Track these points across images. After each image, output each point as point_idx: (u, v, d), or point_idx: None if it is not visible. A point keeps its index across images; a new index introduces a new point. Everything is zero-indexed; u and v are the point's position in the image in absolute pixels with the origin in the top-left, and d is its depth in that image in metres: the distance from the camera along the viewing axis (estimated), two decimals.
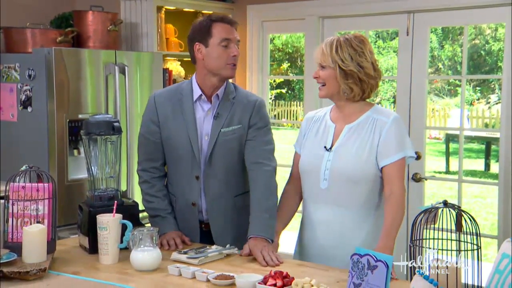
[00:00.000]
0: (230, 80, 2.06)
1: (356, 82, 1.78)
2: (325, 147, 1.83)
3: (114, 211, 1.76)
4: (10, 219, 1.73)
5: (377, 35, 11.16)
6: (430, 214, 1.39)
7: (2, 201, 1.76)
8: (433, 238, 1.41)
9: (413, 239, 1.39)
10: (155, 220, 1.97)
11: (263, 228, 1.84)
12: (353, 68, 1.76)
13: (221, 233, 1.97)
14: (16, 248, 1.68)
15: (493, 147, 8.27)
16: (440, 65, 11.08)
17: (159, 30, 3.31)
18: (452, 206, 1.38)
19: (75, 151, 2.81)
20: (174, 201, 2.02)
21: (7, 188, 1.73)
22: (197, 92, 1.96)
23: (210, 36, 1.91)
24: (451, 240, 1.39)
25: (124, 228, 1.75)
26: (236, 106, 1.96)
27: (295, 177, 1.95)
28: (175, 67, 3.44)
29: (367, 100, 1.87)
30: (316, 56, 1.83)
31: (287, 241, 2.32)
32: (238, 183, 1.98)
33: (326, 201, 1.82)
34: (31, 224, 1.72)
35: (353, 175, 1.78)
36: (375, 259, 1.33)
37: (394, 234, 1.72)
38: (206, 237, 1.98)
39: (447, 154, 8.43)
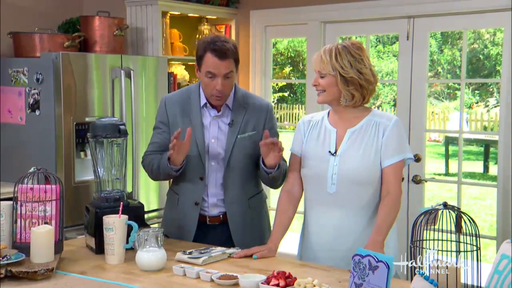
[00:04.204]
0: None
1: (357, 88, 1.80)
2: (329, 151, 1.84)
3: (120, 212, 1.78)
4: (19, 220, 1.75)
5: (377, 40, 11.19)
6: (431, 215, 1.41)
7: (11, 202, 1.78)
8: (433, 239, 1.43)
9: (414, 240, 1.41)
10: (162, 162, 1.95)
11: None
12: (354, 75, 1.78)
13: (240, 234, 2.02)
14: (24, 248, 1.70)
15: (491, 149, 8.29)
16: (440, 69, 11.10)
17: (164, 35, 3.34)
18: (452, 208, 1.40)
19: (82, 154, 2.84)
20: (176, 199, 2.06)
21: (16, 189, 1.75)
22: (203, 99, 2.03)
23: (201, 63, 1.96)
24: (451, 241, 1.40)
25: (129, 229, 1.77)
26: (249, 112, 2.02)
27: (292, 179, 1.93)
28: (180, 71, 3.48)
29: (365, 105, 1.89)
30: (315, 64, 1.84)
31: (289, 241, 2.35)
32: (252, 185, 2.03)
33: (333, 204, 1.83)
34: (39, 225, 1.74)
35: (361, 178, 1.80)
36: (376, 259, 1.34)
37: (385, 231, 1.75)
38: (211, 231, 2.02)
39: (447, 156, 8.45)
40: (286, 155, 2.00)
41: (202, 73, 1.95)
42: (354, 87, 1.80)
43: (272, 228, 1.97)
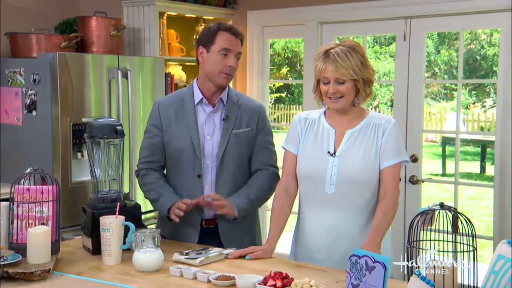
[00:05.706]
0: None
1: (371, 86, 1.83)
2: (328, 152, 1.83)
3: (117, 213, 1.78)
4: (15, 221, 1.75)
5: (374, 40, 11.20)
6: (427, 216, 1.42)
7: (7, 203, 1.78)
8: (430, 240, 1.43)
9: (411, 240, 1.41)
10: (160, 206, 2.00)
11: (237, 202, 1.96)
12: (368, 74, 1.80)
13: (229, 233, 2.02)
14: (20, 249, 1.70)
15: (488, 150, 8.31)
16: (437, 70, 11.13)
17: (161, 35, 3.35)
18: (449, 208, 1.41)
19: (79, 154, 2.84)
20: None
21: (12, 190, 1.75)
22: (198, 96, 2.04)
23: (212, 42, 1.98)
24: (448, 241, 1.41)
25: (126, 229, 1.77)
26: (242, 110, 2.05)
27: (288, 177, 1.91)
28: (177, 72, 3.48)
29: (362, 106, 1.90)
30: (328, 72, 1.76)
31: (284, 241, 2.34)
32: (245, 183, 2.04)
33: (331, 205, 1.82)
34: (35, 225, 1.74)
35: (361, 179, 1.80)
36: (373, 260, 1.35)
37: (382, 231, 1.75)
38: (206, 234, 2.02)
39: (444, 156, 8.49)
40: (280, 152, 2.00)
41: (213, 53, 1.97)
42: (370, 87, 1.82)
43: (268, 229, 1.97)
